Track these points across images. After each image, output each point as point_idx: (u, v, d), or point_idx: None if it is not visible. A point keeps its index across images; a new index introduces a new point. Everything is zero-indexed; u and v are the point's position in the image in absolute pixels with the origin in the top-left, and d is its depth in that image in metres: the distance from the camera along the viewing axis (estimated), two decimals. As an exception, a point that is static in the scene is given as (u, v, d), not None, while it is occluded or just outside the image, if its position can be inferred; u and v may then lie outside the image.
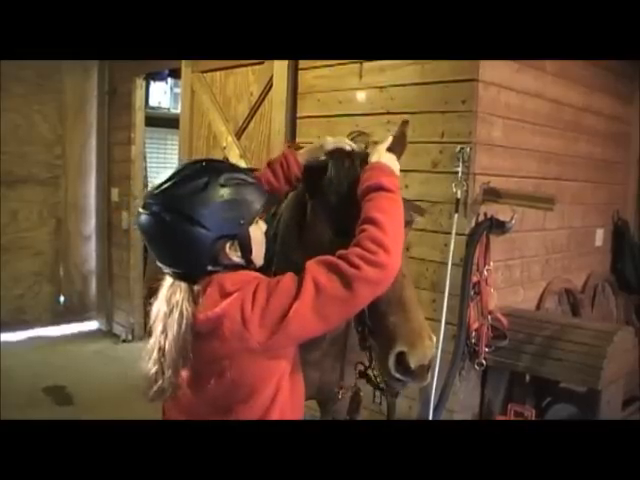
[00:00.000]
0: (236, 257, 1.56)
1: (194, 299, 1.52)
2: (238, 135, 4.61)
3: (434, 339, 1.67)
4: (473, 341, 3.29)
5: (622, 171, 5.03)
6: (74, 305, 6.41)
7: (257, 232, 1.60)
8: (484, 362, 3.30)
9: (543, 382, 3.46)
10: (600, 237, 4.76)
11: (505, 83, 3.42)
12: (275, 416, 1.57)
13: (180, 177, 1.54)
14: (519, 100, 3.57)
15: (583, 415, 3.31)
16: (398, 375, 1.63)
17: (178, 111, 5.61)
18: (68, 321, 6.31)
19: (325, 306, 1.40)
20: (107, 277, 6.36)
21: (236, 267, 1.58)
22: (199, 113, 4.98)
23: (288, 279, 1.46)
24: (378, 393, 2.05)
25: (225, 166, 1.66)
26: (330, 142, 1.85)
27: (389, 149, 1.81)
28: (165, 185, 1.53)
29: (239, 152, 4.56)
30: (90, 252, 6.50)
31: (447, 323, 3.22)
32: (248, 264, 1.60)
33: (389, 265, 1.41)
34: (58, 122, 6.14)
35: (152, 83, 6.97)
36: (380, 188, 1.55)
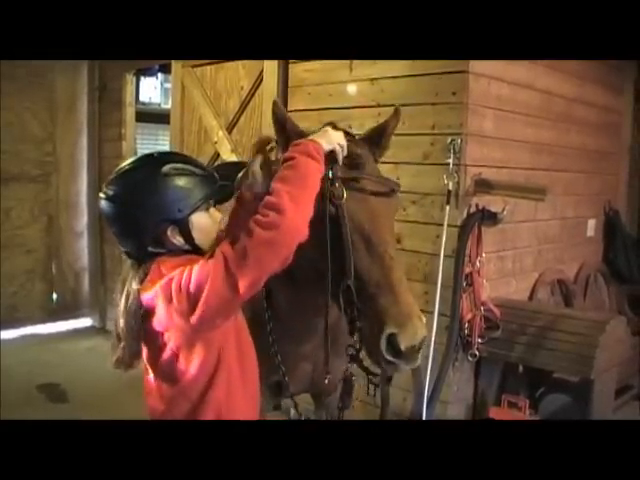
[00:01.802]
0: (178, 241, 1.67)
1: (140, 279, 1.65)
2: (229, 129, 4.60)
3: (424, 320, 1.68)
4: (466, 332, 3.30)
5: (613, 161, 5.05)
6: (67, 302, 6.38)
7: (204, 220, 1.70)
8: (477, 353, 3.31)
9: (536, 372, 3.47)
10: (592, 227, 4.77)
11: (496, 74, 3.42)
12: (221, 390, 1.66)
13: (132, 165, 1.71)
14: (510, 91, 3.57)
15: (576, 404, 3.33)
16: (389, 357, 1.64)
17: (169, 106, 5.60)
18: (61, 318, 6.28)
19: (234, 275, 1.47)
20: (100, 274, 6.33)
21: (183, 251, 1.69)
22: (190, 108, 4.97)
23: (206, 258, 1.56)
24: (372, 385, 2.04)
25: (174, 158, 1.76)
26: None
27: (369, 137, 1.94)
28: (119, 172, 1.71)
29: (230, 147, 4.55)
30: (82, 249, 6.47)
31: (440, 314, 3.23)
32: (195, 249, 1.70)
33: (281, 224, 1.47)
34: (49, 119, 6.10)
35: (142, 79, 6.95)
36: (284, 161, 1.63)
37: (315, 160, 1.62)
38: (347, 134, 1.89)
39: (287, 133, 1.87)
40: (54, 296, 6.30)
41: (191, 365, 1.63)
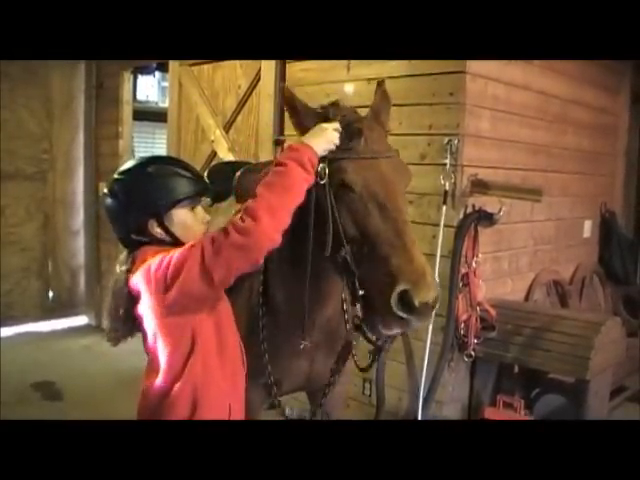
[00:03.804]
0: (158, 233, 1.81)
1: (129, 263, 1.82)
2: (226, 128, 4.60)
3: (437, 280, 1.68)
4: (462, 333, 3.31)
5: (609, 163, 5.06)
6: (63, 300, 6.37)
7: (185, 217, 1.83)
8: (473, 353, 3.32)
9: (532, 373, 3.48)
10: (588, 229, 4.79)
11: (493, 75, 3.43)
12: (197, 370, 1.74)
13: (127, 166, 1.88)
14: (507, 92, 3.58)
15: (571, 405, 3.34)
16: (402, 313, 1.64)
17: (166, 105, 5.59)
18: (57, 316, 6.27)
19: (207, 267, 1.59)
20: (96, 272, 6.33)
21: (167, 243, 1.81)
22: (187, 106, 4.96)
23: (188, 245, 1.68)
24: (368, 385, 2.05)
25: (164, 160, 1.99)
26: None
27: (376, 112, 1.98)
28: (118, 171, 1.88)
29: (227, 145, 4.55)
30: (78, 247, 6.46)
31: (436, 315, 3.21)
32: (178, 242, 1.80)
33: (255, 232, 1.57)
34: (45, 117, 6.08)
35: (140, 77, 6.94)
36: (276, 164, 1.72)
37: (305, 170, 1.69)
38: (353, 111, 1.95)
39: (299, 113, 1.93)
40: (50, 294, 6.28)
41: (167, 346, 1.74)
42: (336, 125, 1.81)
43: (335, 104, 1.97)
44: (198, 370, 1.74)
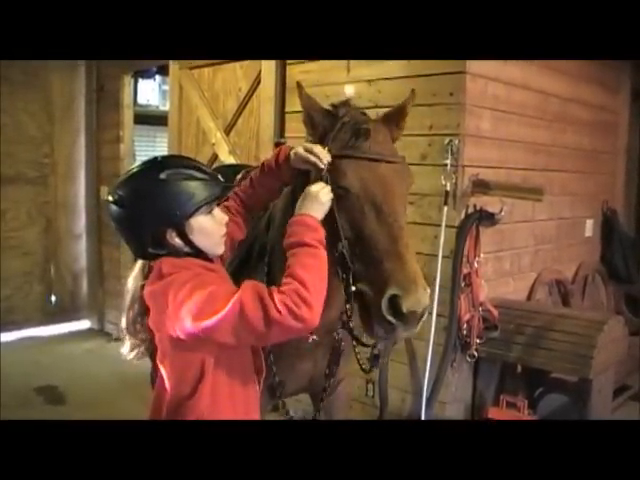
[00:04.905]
0: (177, 244, 1.70)
1: (144, 276, 1.74)
2: (227, 131, 4.60)
3: (428, 290, 1.69)
4: (464, 333, 3.31)
5: (610, 161, 5.06)
6: (65, 304, 6.37)
7: (205, 223, 1.72)
8: (475, 353, 3.31)
9: (535, 372, 3.48)
10: (590, 227, 4.78)
11: (492, 75, 3.43)
12: (204, 402, 1.68)
13: (134, 170, 1.75)
14: (506, 91, 3.58)
15: (575, 404, 3.34)
16: (390, 318, 1.64)
17: (167, 108, 5.59)
18: (59, 321, 6.27)
19: (240, 328, 1.52)
20: (98, 276, 6.33)
21: (185, 253, 1.71)
22: (188, 110, 4.97)
23: (222, 289, 1.59)
24: (370, 386, 2.05)
25: (175, 162, 1.80)
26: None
27: (388, 117, 1.96)
28: (123, 177, 1.75)
29: (228, 148, 4.55)
30: (81, 251, 6.46)
31: (438, 315, 3.24)
32: (197, 252, 1.73)
33: (308, 320, 1.52)
34: (46, 121, 6.08)
35: (140, 80, 6.93)
36: (303, 244, 1.64)
37: (325, 248, 1.67)
38: (362, 113, 1.95)
39: (307, 110, 1.99)
40: (52, 298, 6.28)
41: (174, 372, 1.70)
42: (326, 189, 1.77)
43: (346, 103, 1.98)
44: (203, 407, 1.69)
